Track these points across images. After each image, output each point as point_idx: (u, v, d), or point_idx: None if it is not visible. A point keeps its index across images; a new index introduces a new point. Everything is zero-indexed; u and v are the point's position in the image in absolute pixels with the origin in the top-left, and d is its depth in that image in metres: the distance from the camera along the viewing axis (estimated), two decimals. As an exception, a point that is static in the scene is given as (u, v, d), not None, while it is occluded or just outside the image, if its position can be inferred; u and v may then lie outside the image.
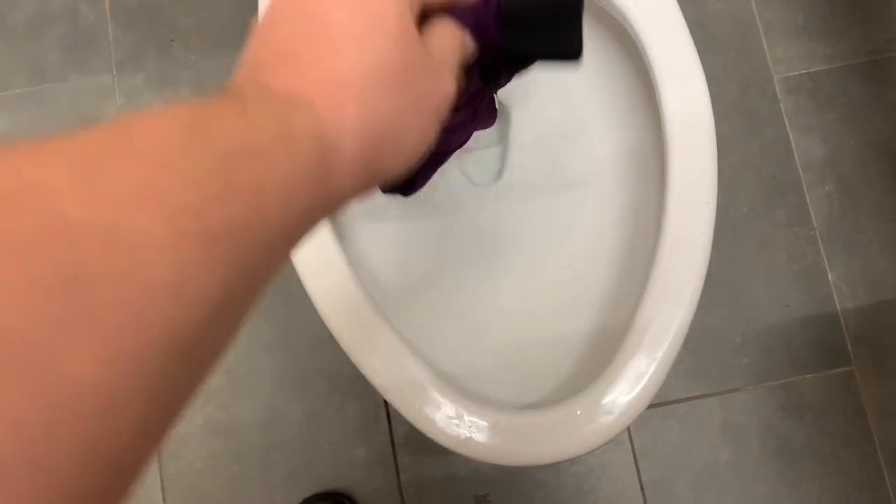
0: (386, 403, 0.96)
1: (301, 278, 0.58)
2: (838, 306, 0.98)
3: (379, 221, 0.72)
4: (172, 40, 1.08)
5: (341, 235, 0.62)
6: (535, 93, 0.71)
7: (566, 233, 0.69)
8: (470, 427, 0.54)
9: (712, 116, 0.55)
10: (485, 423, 0.54)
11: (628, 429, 0.95)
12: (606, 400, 0.54)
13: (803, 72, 1.05)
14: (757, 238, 1.00)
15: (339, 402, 0.97)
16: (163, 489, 0.95)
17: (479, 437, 0.54)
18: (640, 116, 0.65)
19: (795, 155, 1.02)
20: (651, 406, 0.95)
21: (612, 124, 0.69)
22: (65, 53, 1.08)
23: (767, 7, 1.07)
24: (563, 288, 0.68)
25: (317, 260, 0.59)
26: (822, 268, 0.99)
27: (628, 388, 0.55)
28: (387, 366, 0.56)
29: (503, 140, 0.72)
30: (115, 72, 1.08)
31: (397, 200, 0.60)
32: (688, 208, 0.56)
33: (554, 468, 0.94)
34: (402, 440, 0.96)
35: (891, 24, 1.05)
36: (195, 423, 0.97)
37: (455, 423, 0.54)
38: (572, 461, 0.94)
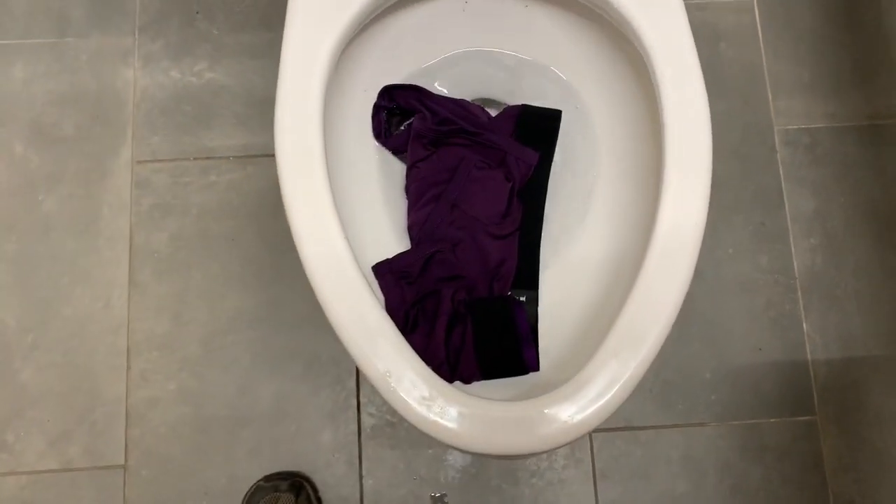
0: (357, 392, 0.97)
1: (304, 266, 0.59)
2: (809, 356, 1.01)
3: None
4: (197, 12, 1.10)
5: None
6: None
7: (562, 236, 0.71)
8: (440, 410, 0.55)
9: (710, 134, 0.57)
10: (454, 409, 0.55)
11: (591, 449, 0.97)
12: (574, 403, 0.56)
13: (803, 126, 1.08)
14: (739, 280, 1.03)
15: (312, 385, 0.97)
16: (126, 449, 0.96)
17: (447, 421, 0.55)
18: (641, 132, 0.67)
19: (786, 205, 1.05)
20: (616, 429, 0.97)
21: (614, 132, 0.71)
22: (90, 10, 1.10)
23: (777, 60, 1.11)
24: (547, 293, 0.69)
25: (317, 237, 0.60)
26: (798, 317, 1.02)
27: (596, 394, 0.56)
28: (372, 344, 0.57)
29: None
30: (136, 35, 1.09)
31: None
32: (677, 230, 0.58)
33: (513, 476, 0.95)
34: (368, 431, 0.97)
35: (892, 92, 1.08)
36: (167, 389, 0.98)
37: (427, 404, 0.55)
38: (533, 472, 0.95)
